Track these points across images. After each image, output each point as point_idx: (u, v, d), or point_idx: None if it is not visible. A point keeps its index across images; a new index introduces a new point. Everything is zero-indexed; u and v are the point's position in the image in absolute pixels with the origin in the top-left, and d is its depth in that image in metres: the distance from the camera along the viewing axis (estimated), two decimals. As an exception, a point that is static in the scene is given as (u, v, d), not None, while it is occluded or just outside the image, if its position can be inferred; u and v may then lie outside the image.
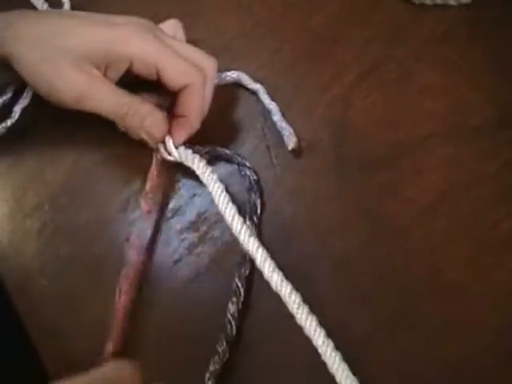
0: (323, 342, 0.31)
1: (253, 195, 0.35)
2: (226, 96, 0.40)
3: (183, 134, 0.35)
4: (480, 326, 0.32)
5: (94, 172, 0.39)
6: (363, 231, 0.34)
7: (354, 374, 0.30)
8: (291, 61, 0.39)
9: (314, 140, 0.37)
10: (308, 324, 0.31)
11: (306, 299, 0.33)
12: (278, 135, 0.37)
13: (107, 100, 0.34)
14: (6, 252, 0.37)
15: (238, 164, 0.37)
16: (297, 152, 0.37)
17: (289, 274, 0.34)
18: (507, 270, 0.32)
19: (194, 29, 0.41)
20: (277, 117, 0.37)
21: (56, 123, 0.39)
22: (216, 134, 0.38)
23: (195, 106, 0.34)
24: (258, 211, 0.35)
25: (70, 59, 0.32)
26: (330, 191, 0.36)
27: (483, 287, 0.32)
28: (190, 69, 0.33)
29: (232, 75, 0.39)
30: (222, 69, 0.40)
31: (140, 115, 0.34)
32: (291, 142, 0.36)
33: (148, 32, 0.33)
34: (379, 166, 0.35)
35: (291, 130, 0.37)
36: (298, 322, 0.31)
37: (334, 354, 0.30)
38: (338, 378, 0.30)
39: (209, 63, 0.35)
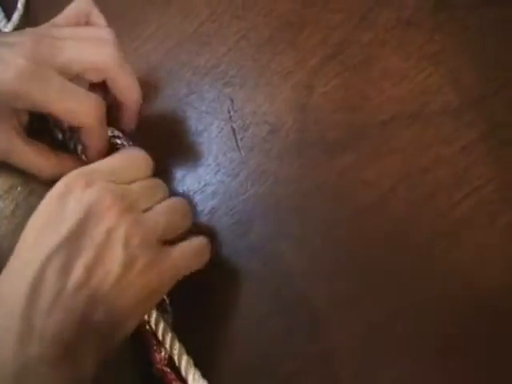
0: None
1: None
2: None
3: (129, 117, 0.36)
4: (434, 309, 0.32)
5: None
6: (323, 213, 0.35)
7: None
8: (257, 46, 0.39)
9: (278, 123, 0.38)
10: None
11: (267, 276, 0.35)
12: (244, 118, 0.38)
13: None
14: (-22, 232, 0.38)
15: None
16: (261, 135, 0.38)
17: (250, 253, 0.35)
18: (462, 253, 0.33)
19: (166, 13, 0.42)
20: None
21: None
22: (183, 116, 0.39)
23: (121, 86, 0.33)
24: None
25: None
26: (292, 174, 0.36)
27: (439, 270, 0.33)
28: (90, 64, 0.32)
29: None
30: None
31: None
32: None
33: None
34: (340, 150, 0.36)
35: None
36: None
37: None
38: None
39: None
